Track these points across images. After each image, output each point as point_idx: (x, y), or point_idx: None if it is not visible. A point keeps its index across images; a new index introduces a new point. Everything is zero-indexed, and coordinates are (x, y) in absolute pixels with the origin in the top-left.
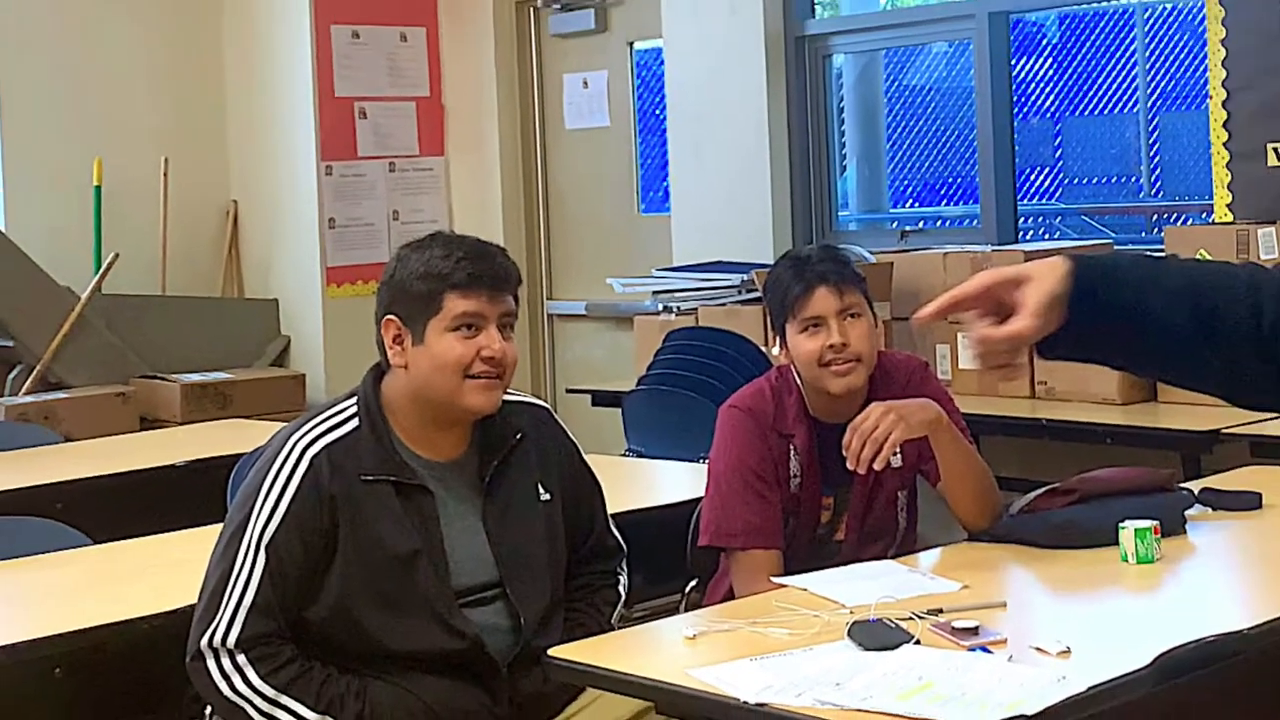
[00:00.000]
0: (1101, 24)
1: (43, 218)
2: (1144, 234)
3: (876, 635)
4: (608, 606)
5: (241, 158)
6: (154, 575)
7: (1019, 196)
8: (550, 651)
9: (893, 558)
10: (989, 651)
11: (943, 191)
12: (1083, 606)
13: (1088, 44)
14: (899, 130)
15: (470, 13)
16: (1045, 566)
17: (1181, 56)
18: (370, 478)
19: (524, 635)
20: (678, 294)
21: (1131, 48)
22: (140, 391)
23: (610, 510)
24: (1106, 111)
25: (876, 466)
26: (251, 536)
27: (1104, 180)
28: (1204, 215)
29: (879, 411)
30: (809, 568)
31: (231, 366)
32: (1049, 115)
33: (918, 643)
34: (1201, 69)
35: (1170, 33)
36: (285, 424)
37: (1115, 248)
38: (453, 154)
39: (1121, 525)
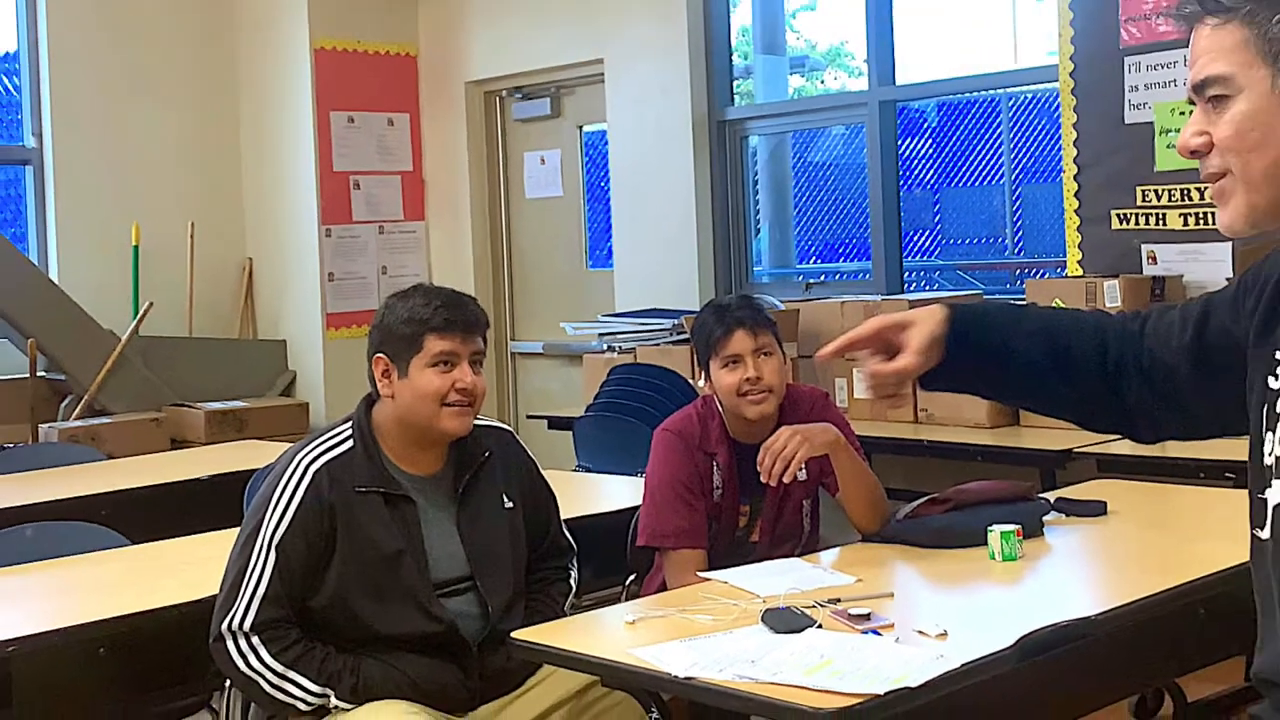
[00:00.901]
0: (973, 111)
1: (89, 273)
2: (1008, 286)
3: (785, 620)
4: (561, 596)
5: (255, 222)
6: (182, 571)
7: (904, 254)
8: (513, 634)
9: (799, 556)
10: (879, 634)
11: (840, 250)
12: (957, 597)
13: (961, 128)
14: (804, 199)
15: (446, 101)
16: (926, 563)
17: (1040, 138)
18: (363, 489)
19: (491, 621)
20: (619, 336)
21: (998, 131)
22: (171, 417)
23: (563, 516)
24: (977, 184)
25: (786, 480)
26: (264, 538)
27: (975, 241)
28: (1059, 270)
29: (787, 434)
30: (729, 564)
31: (247, 396)
32: (929, 187)
33: (820, 627)
34: (1056, 149)
35: (1030, 119)
36: (292, 444)
37: (985, 297)
38: (432, 219)
39: (990, 528)
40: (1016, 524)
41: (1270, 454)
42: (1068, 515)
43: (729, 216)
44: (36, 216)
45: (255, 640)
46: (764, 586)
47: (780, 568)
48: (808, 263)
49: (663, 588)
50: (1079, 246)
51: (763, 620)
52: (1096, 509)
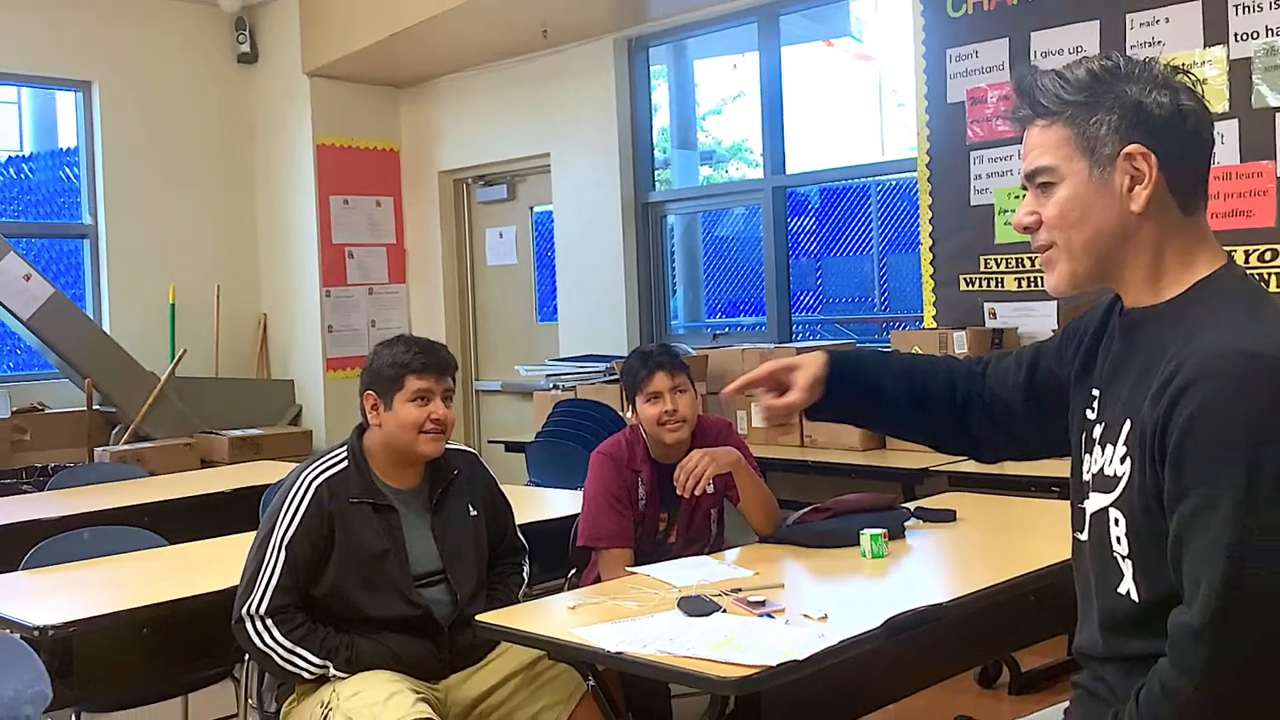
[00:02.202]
0: (849, 195)
1: (135, 325)
2: (877, 336)
3: (697, 606)
4: (515, 587)
5: (269, 284)
6: (210, 565)
7: (792, 310)
8: (477, 617)
9: (708, 554)
10: (772, 617)
11: (741, 307)
12: (835, 587)
13: (839, 208)
14: (712, 266)
15: (423, 187)
16: (810, 560)
17: (902, 217)
18: (356, 500)
19: (459, 606)
20: (562, 376)
21: (868, 211)
22: (201, 442)
23: (517, 521)
24: (851, 254)
25: (697, 492)
26: (276, 539)
27: (850, 300)
28: (918, 323)
29: (698, 455)
30: (651, 560)
31: (262, 425)
32: (813, 256)
33: (724, 611)
34: (915, 225)
35: (895, 201)
36: (298, 464)
37: (858, 345)
38: (411, 282)
39: (861, 532)
40: (883, 528)
41: (1088, 472)
42: (925, 521)
43: (651, 280)
44: (92, 280)
45: (269, 622)
46: (679, 578)
47: (692, 563)
48: (715, 317)
49: (597, 580)
50: (934, 304)
51: (678, 606)
52: (948, 516)
